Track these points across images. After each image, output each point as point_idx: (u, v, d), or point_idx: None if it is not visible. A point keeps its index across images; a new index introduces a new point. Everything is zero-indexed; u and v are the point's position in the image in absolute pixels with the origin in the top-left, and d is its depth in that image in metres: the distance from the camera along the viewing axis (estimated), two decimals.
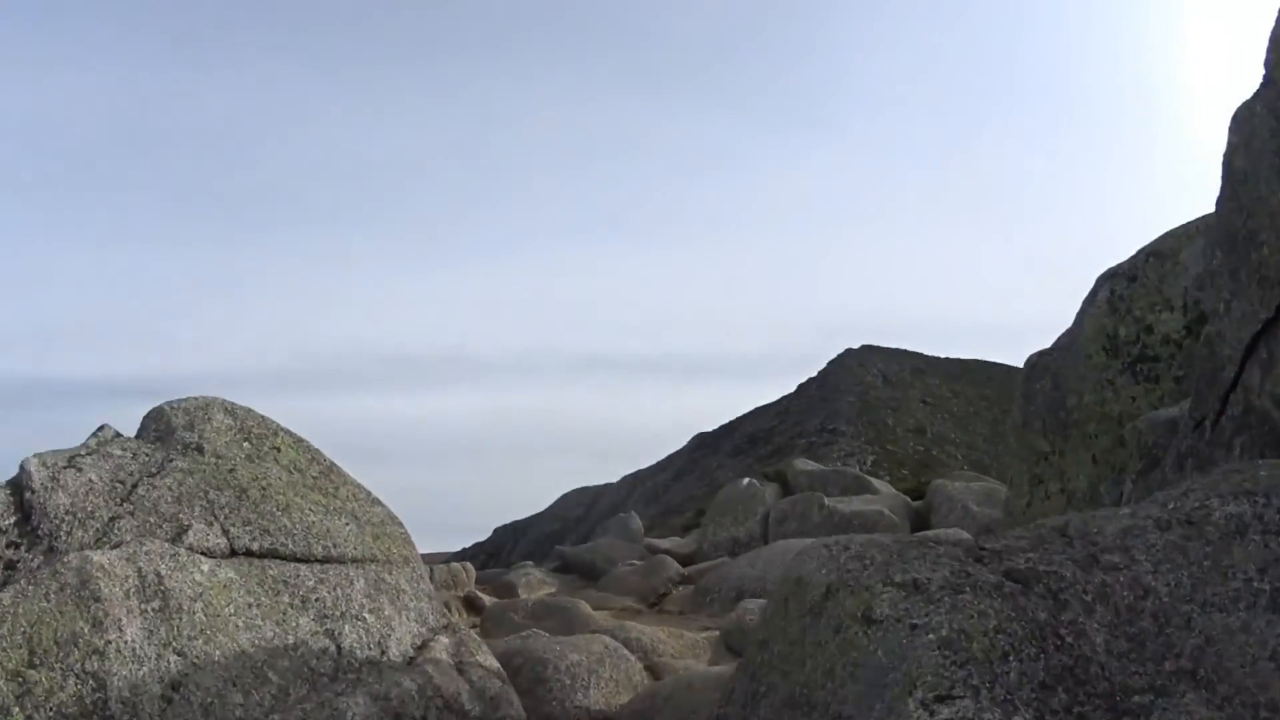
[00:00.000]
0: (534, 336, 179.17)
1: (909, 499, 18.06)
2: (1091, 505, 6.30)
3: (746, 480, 19.46)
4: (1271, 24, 4.56)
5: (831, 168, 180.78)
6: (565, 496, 68.15)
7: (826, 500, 16.97)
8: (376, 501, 6.92)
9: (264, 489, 6.32)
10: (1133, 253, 6.50)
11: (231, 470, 6.39)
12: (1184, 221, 6.40)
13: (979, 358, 68.28)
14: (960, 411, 57.99)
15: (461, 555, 66.28)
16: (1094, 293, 6.65)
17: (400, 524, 6.93)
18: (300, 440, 6.99)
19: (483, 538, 69.51)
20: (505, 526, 68.44)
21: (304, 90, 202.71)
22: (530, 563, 23.14)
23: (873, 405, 55.88)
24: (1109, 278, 6.50)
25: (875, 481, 19.49)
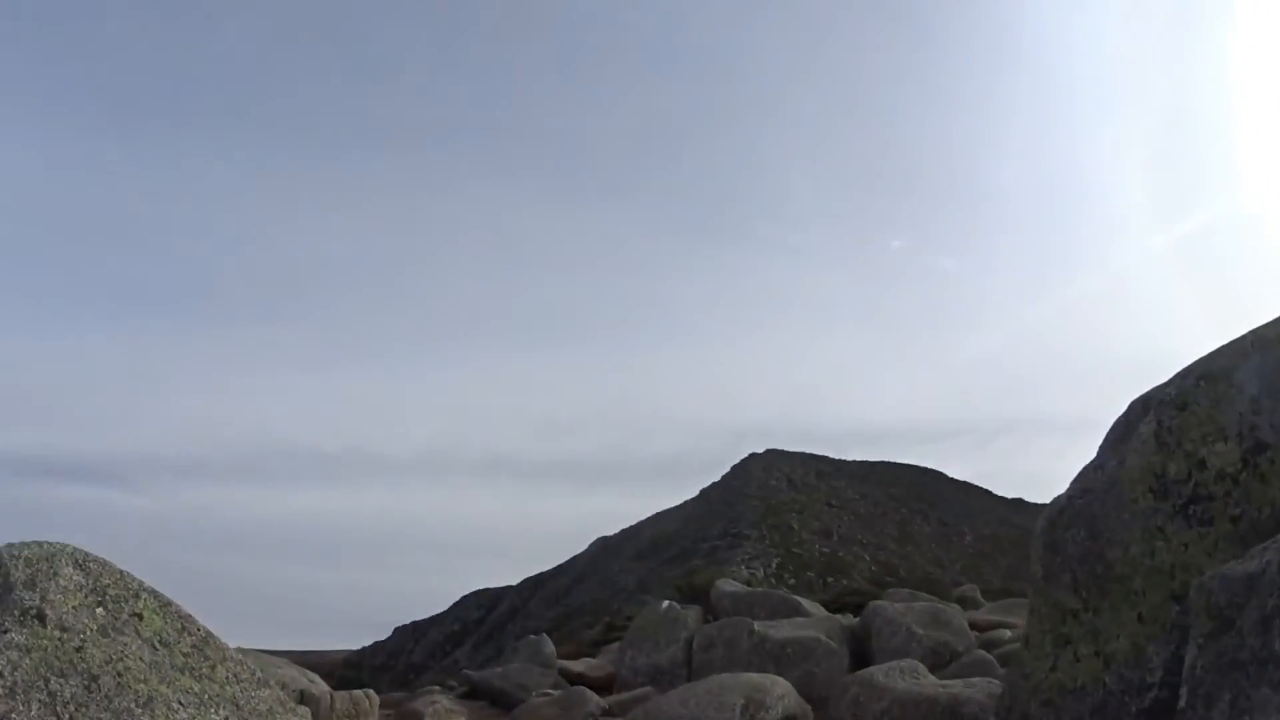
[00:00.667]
0: (439, 437, 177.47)
1: (842, 619, 17.05)
2: (1136, 670, 5.31)
3: (666, 603, 18.26)
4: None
5: (736, 271, 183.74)
6: (466, 598, 66.15)
7: (756, 625, 15.83)
8: (263, 682, 5.51)
9: (120, 675, 4.91)
10: (1173, 374, 5.64)
11: (79, 649, 4.98)
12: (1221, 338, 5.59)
13: (886, 459, 68.53)
14: (867, 513, 57.54)
15: (362, 654, 63.74)
16: (1131, 425, 5.73)
17: (293, 709, 5.54)
18: (168, 604, 5.57)
19: (383, 636, 67.23)
20: (405, 626, 66.28)
21: (224, 183, 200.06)
22: (437, 687, 21.79)
23: (777, 509, 55.13)
24: (1152, 406, 5.58)
25: (804, 602, 18.43)
